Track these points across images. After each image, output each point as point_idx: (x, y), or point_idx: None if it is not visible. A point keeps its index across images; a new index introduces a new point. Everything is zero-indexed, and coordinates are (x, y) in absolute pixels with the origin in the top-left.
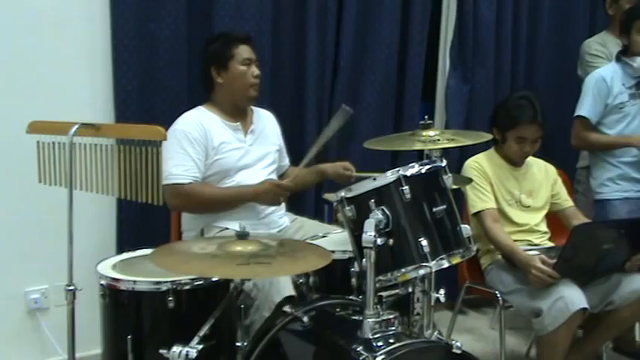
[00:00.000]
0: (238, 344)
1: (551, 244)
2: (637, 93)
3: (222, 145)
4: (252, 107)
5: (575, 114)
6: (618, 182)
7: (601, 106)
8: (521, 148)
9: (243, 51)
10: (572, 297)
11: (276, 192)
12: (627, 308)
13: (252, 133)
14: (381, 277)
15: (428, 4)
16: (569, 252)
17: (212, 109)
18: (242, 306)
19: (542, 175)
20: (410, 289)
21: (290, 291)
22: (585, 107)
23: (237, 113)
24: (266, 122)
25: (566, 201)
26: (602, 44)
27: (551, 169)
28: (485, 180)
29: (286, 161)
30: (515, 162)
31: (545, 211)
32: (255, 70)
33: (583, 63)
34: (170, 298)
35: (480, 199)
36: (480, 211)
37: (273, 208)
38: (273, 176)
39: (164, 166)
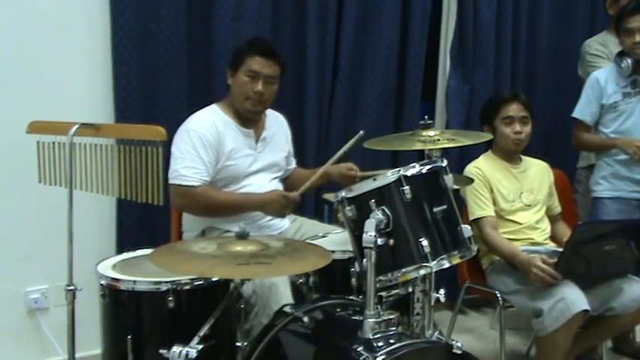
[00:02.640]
0: (238, 344)
1: (552, 245)
2: (631, 92)
3: (233, 151)
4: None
5: (571, 115)
6: (611, 181)
7: (596, 107)
8: (512, 130)
9: (255, 63)
10: (574, 298)
11: (282, 203)
12: (628, 316)
13: (264, 140)
14: (381, 278)
15: (428, 4)
16: (571, 250)
17: (226, 110)
18: (242, 306)
19: (541, 175)
20: (410, 289)
21: (288, 299)
22: (578, 109)
23: (249, 119)
24: (278, 127)
25: (557, 207)
26: (602, 44)
27: (550, 172)
28: (485, 186)
29: (293, 165)
30: (513, 153)
31: (545, 209)
32: (257, 86)
33: (584, 63)
34: (170, 298)
35: (478, 207)
36: (478, 219)
37: None
38: (279, 181)
39: (173, 164)
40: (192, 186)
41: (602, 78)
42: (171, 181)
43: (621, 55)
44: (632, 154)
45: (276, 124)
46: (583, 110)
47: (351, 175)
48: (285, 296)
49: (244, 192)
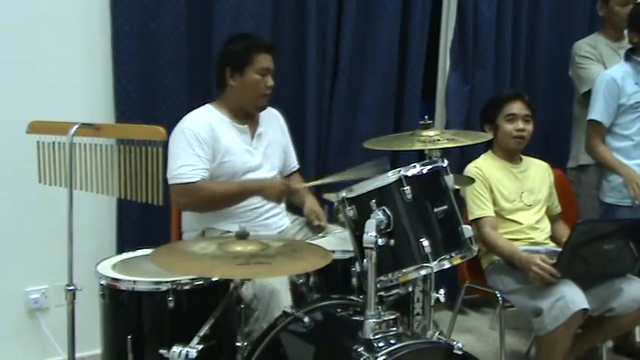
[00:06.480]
0: (238, 344)
1: (552, 245)
2: None
3: (229, 147)
4: None
5: (588, 118)
6: (621, 190)
7: (613, 108)
8: (515, 127)
9: (263, 60)
10: (573, 297)
11: (282, 189)
12: (628, 316)
13: (259, 136)
14: (382, 278)
15: (428, 4)
16: (570, 250)
17: (221, 108)
18: (242, 306)
19: (542, 175)
20: (410, 289)
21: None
22: (598, 111)
23: (246, 116)
24: (273, 123)
25: (557, 207)
26: (592, 46)
27: (550, 172)
28: (484, 186)
29: (293, 161)
30: (514, 152)
31: (545, 209)
32: (269, 81)
33: (573, 64)
34: (170, 298)
35: (478, 207)
36: (477, 219)
37: (275, 209)
38: (277, 177)
39: (170, 165)
40: (191, 182)
41: (619, 77)
42: (170, 182)
43: (634, 51)
44: (629, 191)
45: (270, 118)
46: (603, 113)
47: (315, 224)
48: (286, 302)
49: (242, 179)
